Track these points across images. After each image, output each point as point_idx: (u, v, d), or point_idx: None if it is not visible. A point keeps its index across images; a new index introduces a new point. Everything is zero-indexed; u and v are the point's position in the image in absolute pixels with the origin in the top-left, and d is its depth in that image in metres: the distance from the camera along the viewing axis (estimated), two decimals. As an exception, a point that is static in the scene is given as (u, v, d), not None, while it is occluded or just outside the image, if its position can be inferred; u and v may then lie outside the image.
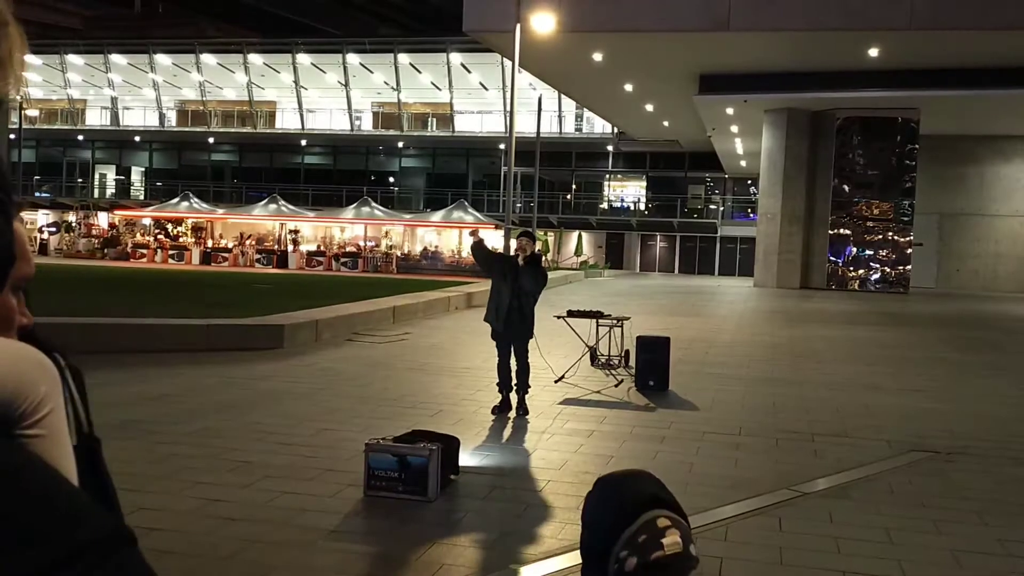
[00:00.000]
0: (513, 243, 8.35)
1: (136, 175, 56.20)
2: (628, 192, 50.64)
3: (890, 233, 31.87)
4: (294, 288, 22.46)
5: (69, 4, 53.90)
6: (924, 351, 14.42)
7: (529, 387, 8.18)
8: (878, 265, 32.06)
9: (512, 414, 7.99)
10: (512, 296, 7.97)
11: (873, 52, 25.51)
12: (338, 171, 51.61)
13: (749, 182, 47.21)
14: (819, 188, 32.32)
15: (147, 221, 43.38)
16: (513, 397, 8.11)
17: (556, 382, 9.64)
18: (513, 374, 8.10)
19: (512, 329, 8.05)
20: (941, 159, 36.53)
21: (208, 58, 48.79)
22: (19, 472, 1.13)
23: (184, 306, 15.19)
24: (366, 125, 50.16)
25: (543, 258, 39.61)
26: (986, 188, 37.95)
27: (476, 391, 9.05)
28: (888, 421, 8.29)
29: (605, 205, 50.14)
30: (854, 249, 32.14)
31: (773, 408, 8.79)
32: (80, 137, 53.92)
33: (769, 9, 23.65)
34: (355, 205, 40.60)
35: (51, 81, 50.29)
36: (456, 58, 44.50)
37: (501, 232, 27.73)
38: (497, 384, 8.15)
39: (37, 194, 50.97)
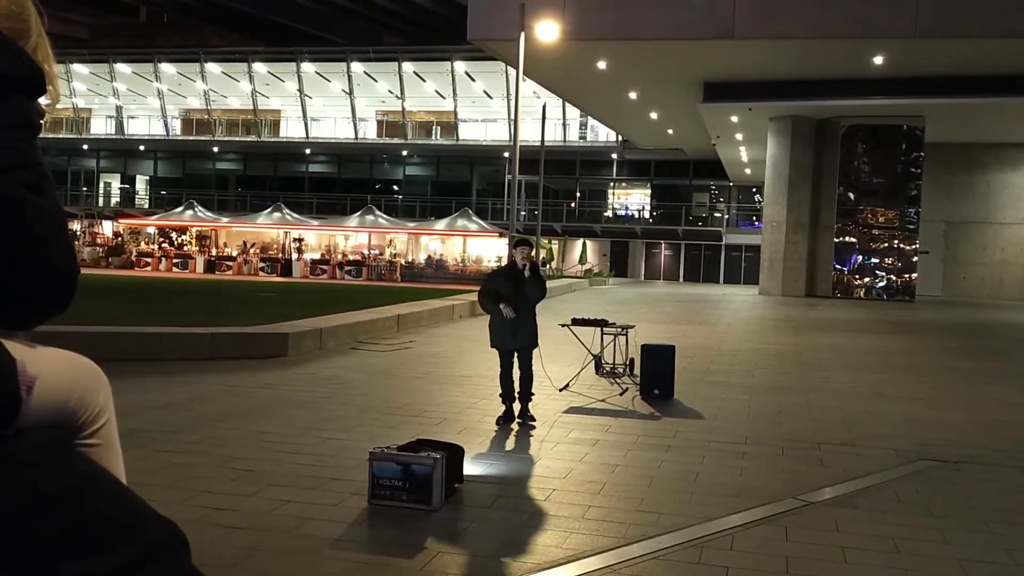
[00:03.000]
0: (513, 251, 8.26)
1: (140, 184, 56.41)
2: (632, 200, 50.66)
3: (896, 241, 31.82)
4: (298, 296, 22.48)
5: (74, 13, 54.09)
6: (930, 359, 14.38)
7: (533, 395, 8.14)
8: (884, 273, 32.00)
9: (515, 425, 7.92)
10: (518, 307, 7.93)
11: (878, 60, 25.51)
12: (342, 179, 51.73)
13: (754, 190, 47.23)
14: (824, 196, 32.31)
15: (151, 230, 43.51)
16: (516, 406, 8.06)
17: (561, 391, 9.62)
18: (516, 382, 8.06)
19: (521, 341, 8.02)
20: (947, 167, 36.51)
21: (213, 67, 48.99)
22: (95, 480, 1.17)
23: (188, 315, 15.20)
24: (370, 133, 50.27)
25: (547, 266, 39.61)
26: (992, 196, 37.89)
27: (480, 399, 9.03)
28: (894, 429, 8.25)
29: (609, 213, 50.17)
30: (860, 257, 32.08)
31: (778, 417, 8.76)
32: (85, 146, 54.15)
33: (774, 17, 23.67)
34: (359, 213, 40.67)
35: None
36: (460, 66, 44.64)
37: (505, 240, 27.72)
38: (500, 396, 8.09)
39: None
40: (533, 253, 8.37)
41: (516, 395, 8.05)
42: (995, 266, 38.01)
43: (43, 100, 1.30)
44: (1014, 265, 37.80)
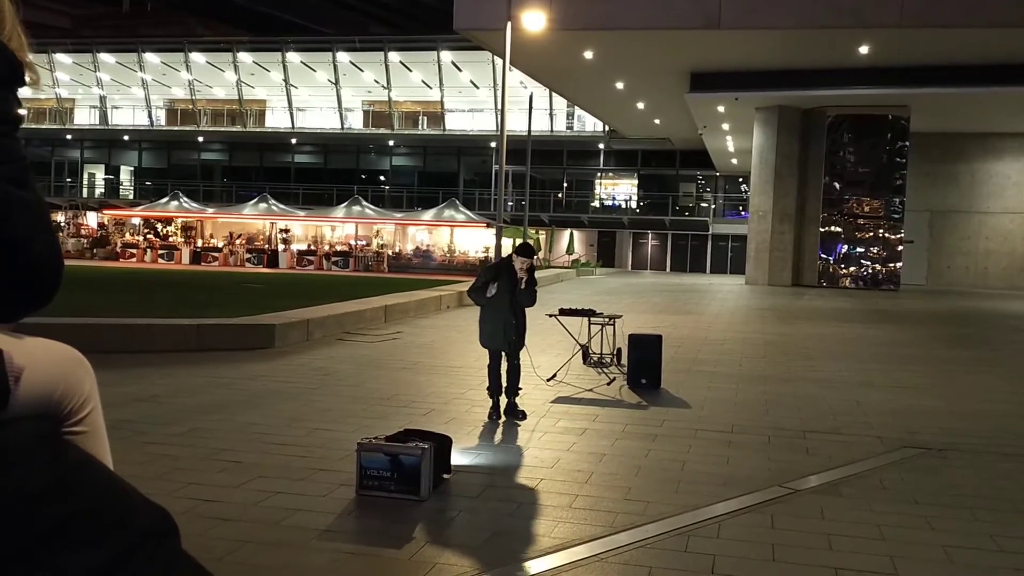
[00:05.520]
0: (514, 257, 7.95)
1: (125, 174, 56.01)
2: (619, 190, 50.68)
3: (881, 230, 31.97)
4: (285, 288, 22.42)
5: (57, 3, 53.63)
6: (915, 348, 14.47)
7: (520, 389, 8.09)
8: (869, 262, 32.15)
9: (502, 419, 7.86)
10: (511, 313, 7.89)
11: (863, 50, 25.58)
12: (328, 170, 51.51)
13: (740, 180, 47.32)
14: (810, 186, 32.42)
15: (136, 221, 43.27)
16: (502, 400, 8.01)
17: (548, 381, 9.63)
18: (504, 375, 8.01)
19: (513, 345, 7.98)
20: (932, 156, 36.67)
21: (197, 57, 48.62)
22: (85, 469, 1.17)
23: (174, 306, 15.13)
24: (356, 124, 50.05)
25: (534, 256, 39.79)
26: (976, 185, 38.09)
27: (468, 390, 9.04)
28: (880, 418, 8.31)
29: (596, 203, 50.17)
30: (845, 246, 32.24)
31: (765, 405, 8.80)
32: (68, 136, 53.71)
33: (760, 7, 23.68)
34: (346, 204, 40.55)
35: (39, 80, 50.00)
36: (447, 56, 44.47)
37: (493, 231, 27.72)
38: (488, 389, 8.02)
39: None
40: (538, 254, 8.25)
41: (503, 389, 8.01)
42: (979, 255, 38.24)
43: (26, 91, 1.28)
44: (998, 254, 38.03)
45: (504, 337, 7.92)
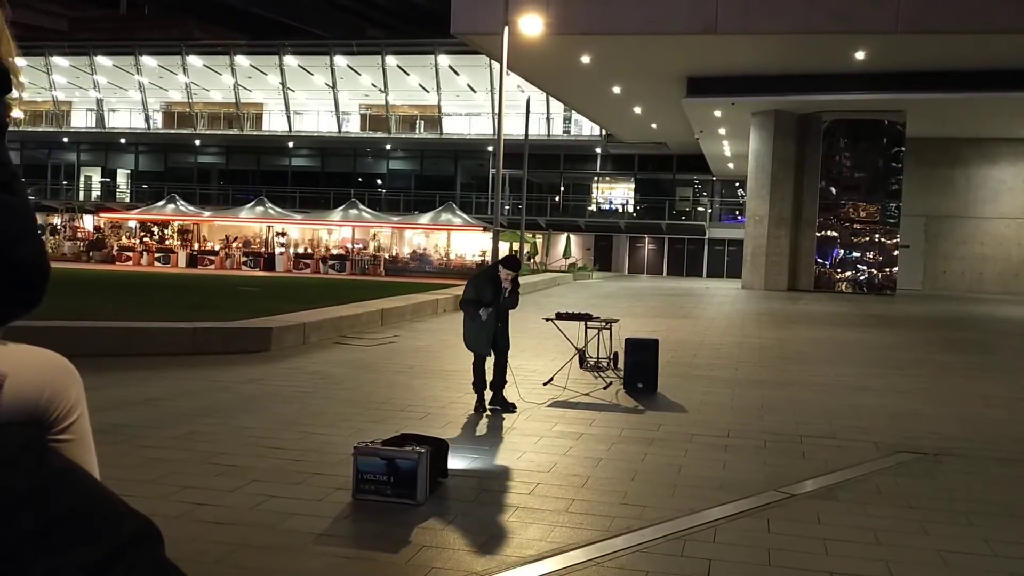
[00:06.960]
0: (500, 267, 8.32)
1: (122, 177, 55.95)
2: (616, 194, 50.73)
3: (877, 235, 32.03)
4: (281, 291, 22.38)
5: (54, 5, 53.60)
6: (911, 352, 14.49)
7: (506, 382, 8.30)
8: (865, 267, 32.21)
9: (500, 416, 8.01)
10: (498, 318, 8.20)
11: (859, 55, 25.65)
12: (325, 173, 51.50)
13: (737, 184, 47.39)
14: (806, 190, 32.47)
15: (133, 224, 43.17)
16: (487, 393, 8.26)
17: (545, 384, 9.63)
18: (490, 371, 8.23)
19: (499, 347, 8.28)
20: (927, 161, 36.76)
21: (194, 60, 48.62)
22: (68, 476, 1.17)
23: (170, 309, 15.10)
24: (353, 127, 50.05)
25: (531, 260, 39.71)
26: (972, 190, 38.18)
27: (464, 394, 9.04)
28: (875, 422, 8.32)
29: (593, 207, 50.22)
30: (841, 251, 32.29)
31: (761, 410, 8.81)
32: (65, 139, 53.65)
33: (757, 12, 23.74)
34: (342, 207, 40.49)
35: (36, 83, 50.03)
36: (444, 60, 44.51)
37: (489, 235, 27.72)
38: (473, 384, 8.27)
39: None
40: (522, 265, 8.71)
41: (489, 383, 8.28)
42: (974, 260, 38.32)
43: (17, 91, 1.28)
44: (993, 259, 38.11)
45: (488, 342, 8.22)
